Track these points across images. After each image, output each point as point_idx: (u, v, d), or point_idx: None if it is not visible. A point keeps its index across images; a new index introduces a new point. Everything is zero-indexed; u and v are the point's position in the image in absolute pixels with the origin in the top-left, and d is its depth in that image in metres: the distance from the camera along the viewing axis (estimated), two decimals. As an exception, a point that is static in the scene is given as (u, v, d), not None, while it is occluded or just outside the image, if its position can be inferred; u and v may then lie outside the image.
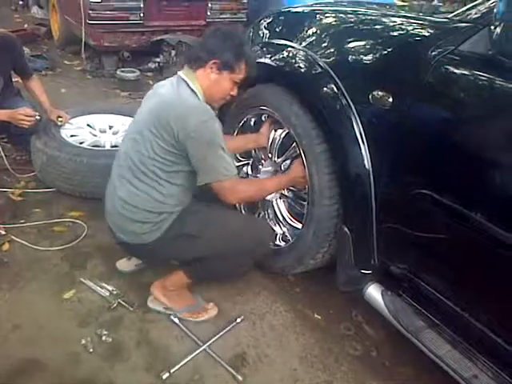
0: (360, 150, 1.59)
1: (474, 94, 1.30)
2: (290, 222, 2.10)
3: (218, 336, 1.80)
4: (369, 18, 1.76)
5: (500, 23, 1.20)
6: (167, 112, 1.63)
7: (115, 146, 2.76)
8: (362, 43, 1.66)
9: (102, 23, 4.55)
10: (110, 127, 2.94)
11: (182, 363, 1.67)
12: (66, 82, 4.57)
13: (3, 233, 2.25)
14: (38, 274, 2.03)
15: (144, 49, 4.93)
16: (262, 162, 2.22)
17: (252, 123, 2.19)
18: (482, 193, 1.30)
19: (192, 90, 1.69)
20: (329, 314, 1.99)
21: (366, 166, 1.58)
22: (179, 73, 1.75)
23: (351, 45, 1.69)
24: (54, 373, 1.61)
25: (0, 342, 1.71)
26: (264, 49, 2.04)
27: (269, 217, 2.17)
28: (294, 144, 1.89)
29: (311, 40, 1.85)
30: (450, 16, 1.50)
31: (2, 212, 2.41)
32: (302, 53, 1.82)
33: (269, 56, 1.95)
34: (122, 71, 4.54)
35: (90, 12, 4.45)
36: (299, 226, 1.99)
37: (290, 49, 1.89)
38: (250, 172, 2.31)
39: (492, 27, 1.23)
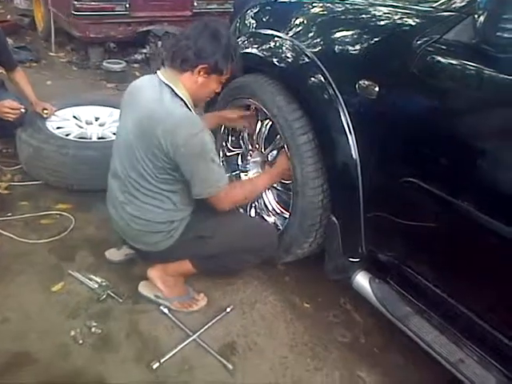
0: (347, 139, 1.59)
1: (458, 82, 1.31)
2: (278, 211, 2.11)
3: (207, 326, 1.81)
4: (355, 7, 1.76)
5: (483, 12, 1.21)
6: (154, 128, 1.56)
7: (102, 138, 2.75)
8: (349, 33, 1.66)
9: (87, 14, 4.50)
10: (97, 119, 2.92)
11: (172, 353, 1.68)
12: (52, 74, 4.53)
13: (-10, 226, 2.23)
14: (26, 267, 2.02)
15: (130, 40, 4.89)
16: (251, 152, 2.22)
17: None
18: (469, 181, 1.32)
19: (177, 96, 1.62)
20: (318, 302, 2.01)
21: (354, 156, 1.59)
22: (160, 75, 1.65)
23: (338, 34, 1.69)
24: (43, 365, 1.61)
25: (-11, 335, 1.70)
26: (251, 39, 2.03)
27: (259, 207, 2.18)
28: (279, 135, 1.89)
29: (298, 30, 1.85)
30: (435, 5, 1.50)
31: (-12, 205, 2.39)
32: (288, 43, 1.82)
33: (256, 46, 1.95)
34: (108, 62, 4.50)
35: (75, 3, 4.40)
36: (288, 215, 1.99)
37: (276, 39, 1.89)
38: (240, 162, 2.32)
39: (476, 16, 1.24)
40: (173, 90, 1.62)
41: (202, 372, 1.64)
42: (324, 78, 1.65)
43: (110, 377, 1.59)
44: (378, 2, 1.71)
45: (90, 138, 2.74)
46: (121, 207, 1.75)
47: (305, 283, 2.10)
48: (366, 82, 1.51)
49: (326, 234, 1.82)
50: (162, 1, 4.85)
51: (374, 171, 1.57)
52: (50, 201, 2.49)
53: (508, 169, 1.22)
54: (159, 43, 4.67)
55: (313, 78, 1.68)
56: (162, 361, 1.64)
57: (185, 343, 1.72)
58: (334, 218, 1.73)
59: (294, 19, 1.90)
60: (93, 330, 1.75)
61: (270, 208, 2.14)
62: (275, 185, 2.11)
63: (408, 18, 1.52)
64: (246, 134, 2.20)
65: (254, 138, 2.12)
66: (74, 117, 2.89)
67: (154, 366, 1.62)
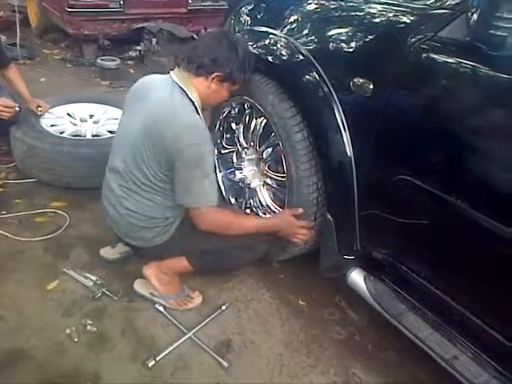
0: (342, 137, 1.60)
1: (452, 80, 1.32)
2: (273, 209, 2.11)
3: (203, 323, 1.81)
4: (350, 4, 1.76)
5: (476, 10, 1.21)
6: (161, 127, 1.58)
7: (96, 136, 2.74)
8: (343, 30, 1.65)
9: (81, 11, 4.48)
10: (91, 116, 2.91)
11: (167, 351, 1.68)
12: (46, 71, 4.50)
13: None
14: (21, 265, 2.01)
15: (124, 37, 4.87)
16: (245, 150, 2.22)
17: (236, 112, 2.19)
18: (462, 178, 1.32)
19: (188, 97, 1.64)
20: (313, 299, 2.02)
21: (348, 154, 1.59)
22: (173, 75, 1.68)
23: (332, 32, 1.69)
24: (38, 363, 1.61)
25: (-17, 333, 1.70)
26: (245, 36, 2.02)
27: (254, 204, 2.18)
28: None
29: (293, 27, 1.84)
30: (428, 3, 1.51)
31: (-18, 203, 2.38)
32: (283, 40, 1.82)
33: (250, 44, 1.94)
34: (103, 60, 4.47)
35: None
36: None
37: (271, 36, 1.88)
38: (235, 160, 2.32)
39: (469, 13, 1.24)
40: (184, 92, 1.64)
41: (197, 370, 1.65)
42: (318, 76, 1.65)
43: (105, 375, 1.59)
44: (372, 0, 1.71)
45: (85, 136, 2.73)
46: (118, 202, 1.75)
47: (300, 281, 2.10)
48: (361, 80, 1.51)
49: (320, 232, 1.82)
50: (157, -2, 4.83)
51: (369, 169, 1.57)
52: (44, 199, 2.48)
53: (501, 166, 1.23)
54: (154, 40, 4.65)
55: (307, 76, 1.68)
56: (157, 358, 1.65)
57: (180, 341, 1.73)
58: (329, 216, 1.74)
59: (288, 16, 1.90)
60: (88, 327, 1.75)
61: (265, 205, 2.14)
62: (270, 182, 2.11)
63: (402, 15, 1.52)
64: (241, 132, 2.20)
65: (249, 135, 2.12)
66: (69, 114, 2.87)
67: (150, 364, 1.63)
